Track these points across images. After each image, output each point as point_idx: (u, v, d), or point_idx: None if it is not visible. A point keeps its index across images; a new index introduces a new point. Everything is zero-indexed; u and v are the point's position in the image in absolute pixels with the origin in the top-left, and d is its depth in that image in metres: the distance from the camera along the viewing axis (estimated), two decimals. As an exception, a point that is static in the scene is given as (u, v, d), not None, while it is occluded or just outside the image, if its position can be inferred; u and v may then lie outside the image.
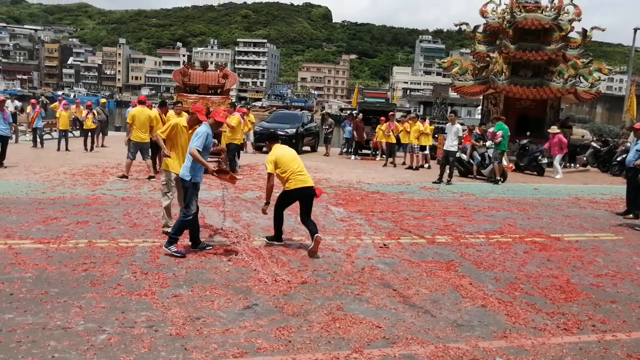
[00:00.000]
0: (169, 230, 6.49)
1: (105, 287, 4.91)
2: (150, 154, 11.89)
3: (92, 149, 17.42)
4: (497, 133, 14.37)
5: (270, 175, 6.52)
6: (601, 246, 7.62)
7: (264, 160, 16.23)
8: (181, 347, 3.81)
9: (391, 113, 18.62)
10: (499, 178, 14.15)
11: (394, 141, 17.70)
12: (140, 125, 11.47)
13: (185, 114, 11.75)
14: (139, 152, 11.68)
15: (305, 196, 6.53)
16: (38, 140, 17.73)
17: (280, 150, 6.65)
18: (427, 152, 17.56)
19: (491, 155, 14.56)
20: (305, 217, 6.54)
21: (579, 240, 7.89)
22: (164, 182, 7.02)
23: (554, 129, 16.86)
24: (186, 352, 3.74)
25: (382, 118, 18.24)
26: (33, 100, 20.38)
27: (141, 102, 12.11)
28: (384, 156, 18.38)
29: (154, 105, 15.10)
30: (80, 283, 4.97)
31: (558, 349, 4.12)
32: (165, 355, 3.68)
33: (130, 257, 5.85)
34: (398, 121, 18.72)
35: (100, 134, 19.05)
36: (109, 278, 5.17)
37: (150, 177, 11.60)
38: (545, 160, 16.75)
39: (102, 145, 18.81)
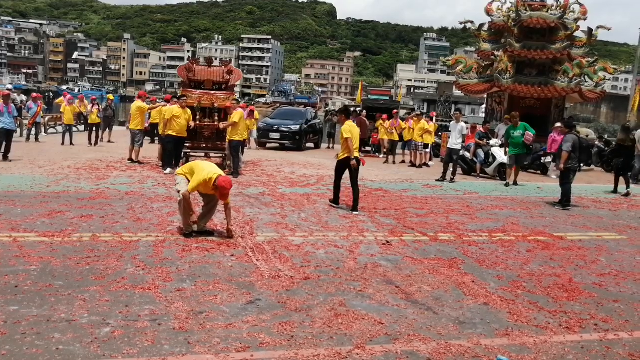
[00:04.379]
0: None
1: (109, 281, 4.94)
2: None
3: (96, 143, 17.43)
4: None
5: (348, 139, 8.68)
6: (604, 245, 7.61)
7: (268, 157, 16.35)
8: (184, 341, 3.83)
9: (395, 111, 18.62)
10: (514, 180, 13.76)
11: (397, 138, 17.71)
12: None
13: (188, 110, 11.92)
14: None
15: (350, 164, 8.74)
16: (32, 134, 17.82)
17: (352, 128, 8.80)
18: (429, 150, 17.51)
19: (523, 160, 13.97)
20: (353, 182, 8.87)
21: (582, 240, 7.87)
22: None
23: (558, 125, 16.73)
24: (189, 346, 3.76)
25: (385, 116, 18.24)
26: (35, 95, 19.97)
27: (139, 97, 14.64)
28: (385, 153, 18.37)
29: (158, 100, 15.25)
30: (84, 276, 5.00)
31: (560, 348, 4.12)
32: (168, 348, 3.71)
33: (133, 251, 5.88)
34: (402, 119, 18.71)
35: (107, 129, 19.01)
36: (112, 272, 5.19)
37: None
38: (549, 159, 16.67)
39: (109, 141, 18.71)
